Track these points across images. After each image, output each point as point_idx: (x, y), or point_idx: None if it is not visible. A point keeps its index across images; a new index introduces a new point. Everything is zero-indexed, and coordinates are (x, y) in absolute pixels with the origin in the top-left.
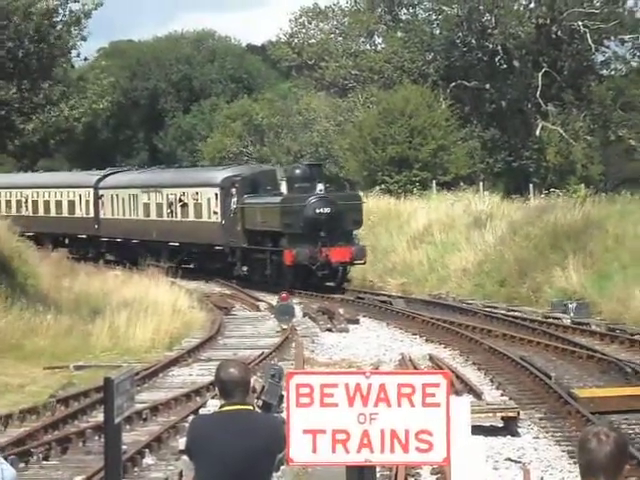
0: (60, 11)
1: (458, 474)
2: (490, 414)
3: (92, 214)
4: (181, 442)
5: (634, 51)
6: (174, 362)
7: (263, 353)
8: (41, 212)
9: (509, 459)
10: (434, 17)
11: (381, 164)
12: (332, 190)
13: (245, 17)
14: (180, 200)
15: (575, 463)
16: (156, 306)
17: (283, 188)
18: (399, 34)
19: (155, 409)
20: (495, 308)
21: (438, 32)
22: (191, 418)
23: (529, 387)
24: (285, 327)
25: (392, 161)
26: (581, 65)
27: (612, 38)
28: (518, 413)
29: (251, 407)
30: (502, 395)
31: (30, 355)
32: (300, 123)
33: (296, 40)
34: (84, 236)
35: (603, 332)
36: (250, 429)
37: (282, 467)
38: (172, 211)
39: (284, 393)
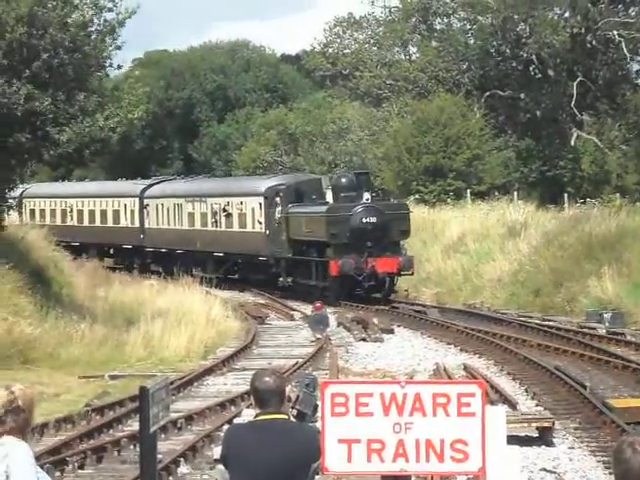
0: (95, 21)
1: None
2: (525, 424)
3: (137, 224)
4: (216, 451)
5: None
6: (209, 371)
7: (297, 363)
8: (86, 222)
9: (544, 469)
10: (468, 27)
11: (415, 174)
12: (379, 199)
13: (279, 26)
14: (224, 210)
15: (610, 473)
16: (191, 315)
17: (329, 197)
18: (433, 44)
19: (190, 418)
20: (530, 318)
21: (472, 41)
22: (226, 427)
23: (564, 397)
24: (319, 337)
25: (426, 170)
26: (616, 74)
27: None
28: (553, 423)
29: (286, 416)
30: (537, 405)
31: (65, 364)
32: (334, 132)
33: (330, 50)
34: (129, 246)
35: (638, 342)
36: (286, 438)
37: (317, 477)
38: (216, 221)
39: (319, 403)
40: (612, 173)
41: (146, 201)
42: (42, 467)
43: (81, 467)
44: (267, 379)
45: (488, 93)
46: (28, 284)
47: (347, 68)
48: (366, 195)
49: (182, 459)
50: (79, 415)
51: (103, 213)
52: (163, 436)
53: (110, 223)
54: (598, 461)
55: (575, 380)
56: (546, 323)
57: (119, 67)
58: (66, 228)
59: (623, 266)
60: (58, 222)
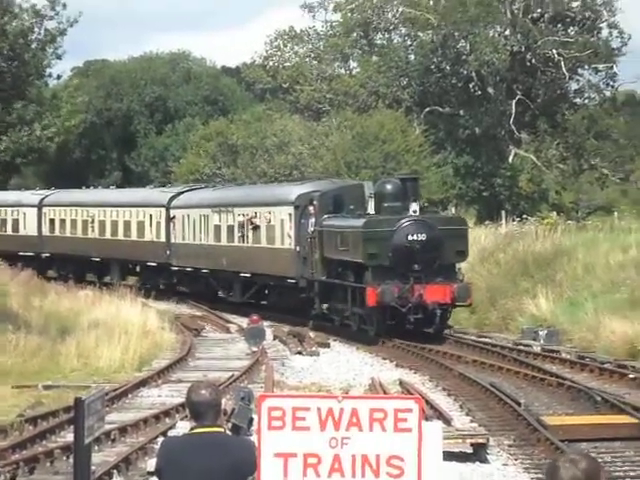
0: (36, 29)
1: None
2: (459, 440)
3: (163, 238)
4: (149, 463)
5: (607, 80)
6: (143, 383)
7: (233, 375)
8: (108, 234)
9: None
10: (409, 43)
11: None
12: (430, 211)
13: (219, 39)
14: (251, 222)
15: None
16: (126, 326)
17: (371, 208)
18: (374, 59)
19: (124, 430)
20: (465, 334)
21: (413, 58)
22: (162, 440)
23: (499, 414)
24: (255, 349)
25: None
26: (555, 93)
27: (586, 67)
28: (487, 440)
29: (222, 429)
30: (471, 421)
31: None
32: (275, 145)
33: (271, 63)
34: (154, 264)
35: (573, 360)
36: (221, 451)
37: None
38: (243, 235)
39: (254, 416)
40: (549, 191)
41: (172, 212)
42: None
43: (13, 478)
44: (203, 392)
45: (428, 109)
46: None
47: (287, 82)
48: (414, 206)
49: (115, 471)
50: (12, 425)
51: (127, 225)
52: (96, 447)
53: (134, 237)
54: (532, 478)
55: (510, 397)
56: (482, 340)
57: (59, 77)
58: (87, 241)
59: (557, 285)
60: (79, 234)
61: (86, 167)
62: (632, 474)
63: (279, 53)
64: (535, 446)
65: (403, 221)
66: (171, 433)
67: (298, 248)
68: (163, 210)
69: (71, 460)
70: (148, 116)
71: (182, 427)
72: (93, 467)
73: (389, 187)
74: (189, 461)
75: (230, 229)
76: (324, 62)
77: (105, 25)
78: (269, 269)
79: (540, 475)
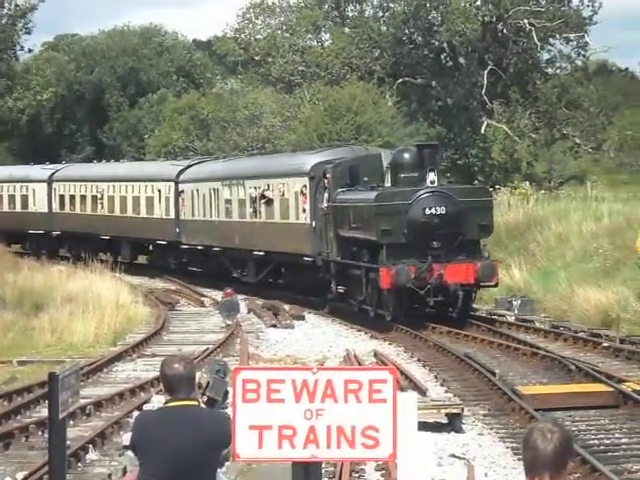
0: (6, 4)
1: (404, 470)
2: (434, 410)
3: (173, 214)
4: (125, 438)
5: (579, 50)
6: (118, 357)
7: (208, 349)
8: (117, 211)
9: (453, 455)
10: (381, 14)
11: None
12: (450, 182)
13: (190, 13)
14: (263, 195)
15: (519, 459)
16: (100, 301)
17: (388, 179)
18: (346, 30)
19: (99, 404)
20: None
21: (385, 29)
22: (136, 414)
23: (473, 384)
24: (230, 323)
25: None
26: (526, 63)
27: (557, 37)
28: (462, 409)
29: (197, 402)
30: (446, 392)
31: None
32: (246, 118)
33: (242, 35)
34: (163, 242)
35: (547, 329)
36: (196, 424)
37: (227, 463)
38: (255, 210)
39: (229, 389)
40: (522, 161)
41: (181, 186)
42: None
43: None
44: (176, 365)
45: (400, 80)
46: None
47: (259, 54)
48: (431, 176)
49: (91, 445)
50: None
51: (135, 200)
52: (71, 422)
53: (143, 213)
54: (507, 447)
55: (484, 367)
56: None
57: (30, 51)
58: (97, 219)
59: (530, 254)
60: (88, 211)
61: (58, 142)
62: (606, 442)
63: (251, 25)
64: (510, 415)
65: (420, 193)
66: (146, 407)
67: (314, 223)
68: (172, 184)
69: (46, 435)
70: (120, 89)
71: (157, 401)
72: (68, 442)
73: (406, 156)
74: (163, 435)
75: (242, 203)
76: (296, 34)
77: (75, 2)
78: (284, 246)
79: (515, 444)
